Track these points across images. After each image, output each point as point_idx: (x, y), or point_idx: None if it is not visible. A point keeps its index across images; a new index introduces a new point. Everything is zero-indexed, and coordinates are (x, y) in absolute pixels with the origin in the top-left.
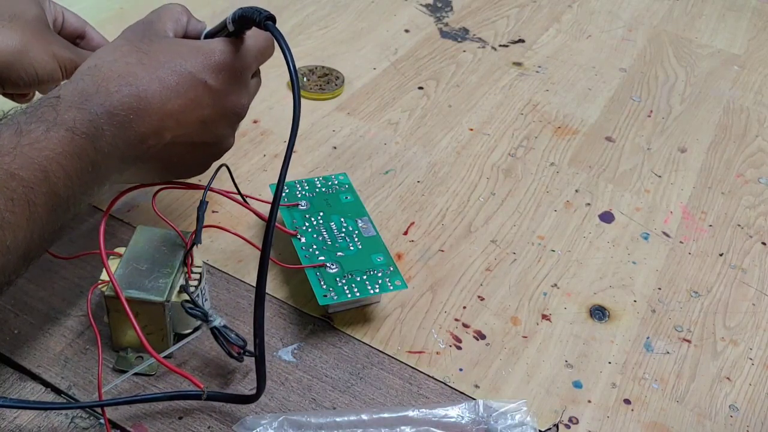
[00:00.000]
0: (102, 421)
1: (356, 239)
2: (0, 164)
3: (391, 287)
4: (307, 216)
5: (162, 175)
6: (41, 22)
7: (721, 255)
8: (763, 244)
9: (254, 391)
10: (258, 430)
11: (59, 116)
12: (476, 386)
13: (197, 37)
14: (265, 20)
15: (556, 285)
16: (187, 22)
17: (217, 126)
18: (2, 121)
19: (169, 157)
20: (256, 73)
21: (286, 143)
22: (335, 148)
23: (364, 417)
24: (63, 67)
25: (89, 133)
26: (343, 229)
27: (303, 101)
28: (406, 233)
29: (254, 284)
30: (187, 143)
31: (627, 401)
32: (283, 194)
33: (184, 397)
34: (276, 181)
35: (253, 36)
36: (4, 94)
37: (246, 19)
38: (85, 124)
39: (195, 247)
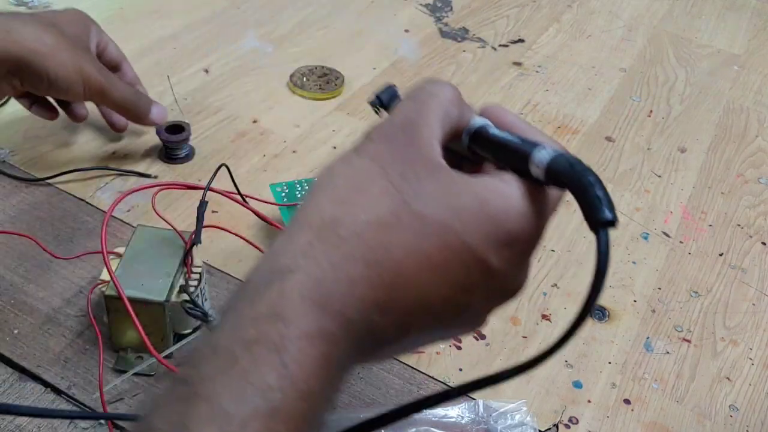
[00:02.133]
0: (102, 421)
1: None
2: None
3: None
4: None
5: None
6: (80, 39)
7: (721, 255)
8: (763, 244)
9: None
10: None
11: (288, 339)
12: None
13: (460, 132)
14: (603, 226)
15: (556, 285)
16: (459, 116)
17: (480, 311)
18: (207, 344)
19: (401, 348)
20: None
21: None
22: (335, 148)
23: (364, 417)
24: (86, 85)
25: (323, 354)
26: None
27: (303, 101)
28: None
29: None
30: (433, 331)
31: (627, 401)
32: (284, 194)
33: None
34: (276, 181)
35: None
36: (24, 96)
37: (568, 189)
38: (318, 342)
39: (195, 247)
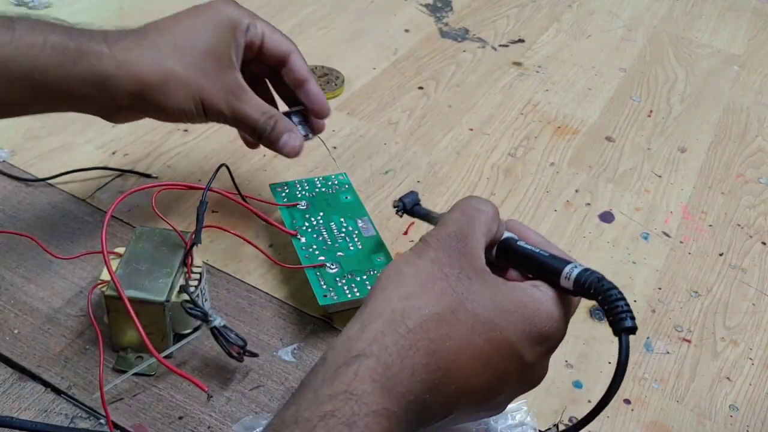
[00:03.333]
0: (102, 421)
1: (356, 239)
2: None
3: None
4: (307, 216)
5: None
6: (210, 55)
7: (721, 255)
8: (763, 244)
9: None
10: (258, 430)
11: (359, 416)
12: None
13: (495, 243)
14: (626, 332)
15: None
16: (497, 229)
17: (507, 398)
18: (290, 414)
19: (440, 426)
20: None
21: None
22: (335, 148)
23: None
24: (207, 112)
25: (384, 430)
26: (343, 229)
27: None
28: (406, 233)
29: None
30: (470, 413)
31: (627, 401)
32: (284, 194)
33: None
34: (276, 181)
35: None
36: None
37: (596, 299)
38: (382, 420)
39: (195, 247)
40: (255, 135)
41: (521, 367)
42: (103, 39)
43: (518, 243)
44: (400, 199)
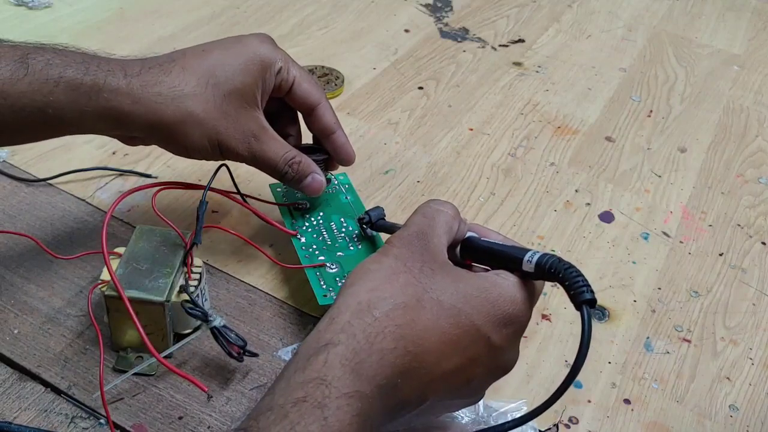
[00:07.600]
0: (102, 421)
1: (356, 239)
2: None
3: None
4: (307, 216)
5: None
6: (234, 94)
7: (721, 255)
8: (763, 244)
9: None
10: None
11: (329, 398)
12: None
13: (458, 243)
14: (587, 304)
15: (555, 285)
16: (458, 228)
17: (481, 384)
18: (265, 403)
19: (417, 416)
20: None
21: None
22: None
23: None
24: (224, 155)
25: (357, 412)
26: (343, 229)
27: None
28: None
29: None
30: (443, 400)
31: (627, 401)
32: (284, 194)
33: None
34: (276, 181)
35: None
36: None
37: (557, 278)
38: (353, 401)
39: (195, 247)
40: (275, 176)
41: (490, 349)
42: (123, 72)
43: (481, 240)
44: (367, 212)
